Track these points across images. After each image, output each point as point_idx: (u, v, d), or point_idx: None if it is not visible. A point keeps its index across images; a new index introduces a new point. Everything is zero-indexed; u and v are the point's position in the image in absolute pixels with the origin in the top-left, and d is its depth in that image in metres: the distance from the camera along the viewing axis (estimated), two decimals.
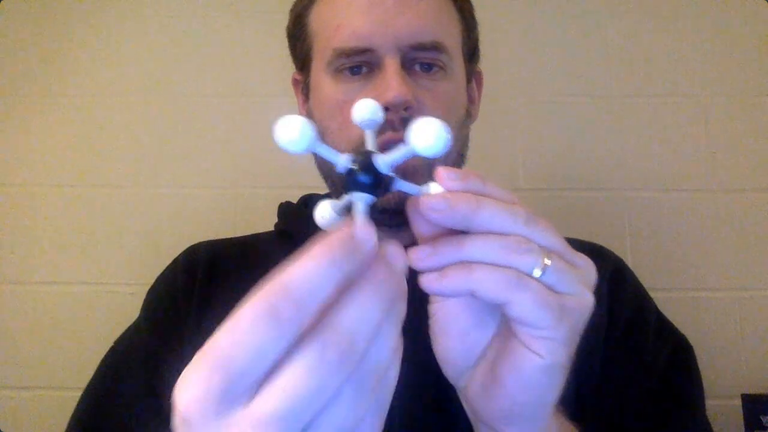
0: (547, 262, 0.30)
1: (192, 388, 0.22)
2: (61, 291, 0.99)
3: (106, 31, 1.08)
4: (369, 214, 0.28)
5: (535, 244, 0.30)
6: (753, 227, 1.00)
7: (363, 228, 0.25)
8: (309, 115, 0.59)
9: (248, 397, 0.22)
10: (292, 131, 0.27)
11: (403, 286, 0.26)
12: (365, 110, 0.31)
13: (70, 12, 1.08)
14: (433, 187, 0.31)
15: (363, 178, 0.28)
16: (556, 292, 0.30)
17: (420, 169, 0.49)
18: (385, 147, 0.32)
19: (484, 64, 0.66)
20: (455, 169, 0.31)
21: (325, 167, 0.58)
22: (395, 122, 0.50)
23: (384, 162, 0.29)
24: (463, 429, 0.48)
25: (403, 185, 0.31)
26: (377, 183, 0.29)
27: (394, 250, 0.26)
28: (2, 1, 1.05)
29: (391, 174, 0.29)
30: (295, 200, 0.67)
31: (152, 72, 1.07)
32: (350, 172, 0.29)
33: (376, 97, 0.49)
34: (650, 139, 1.04)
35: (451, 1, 0.57)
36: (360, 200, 0.29)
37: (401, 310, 0.26)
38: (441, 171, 0.31)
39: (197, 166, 1.04)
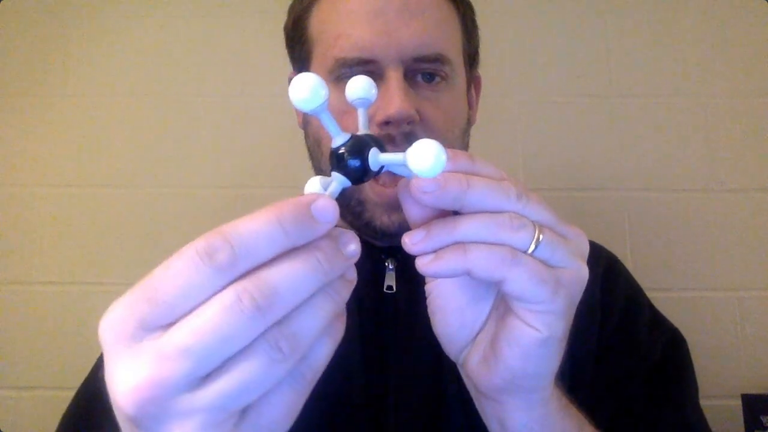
0: (540, 236, 0.30)
1: (114, 312, 0.23)
2: (61, 291, 0.99)
3: (106, 31, 1.08)
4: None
5: (528, 220, 0.30)
6: (753, 227, 1.00)
7: (324, 202, 0.25)
8: (306, 121, 0.59)
9: (164, 330, 0.23)
10: (304, 90, 0.27)
11: (347, 272, 0.26)
12: (359, 88, 0.31)
13: (70, 12, 1.08)
14: None
15: (351, 162, 0.28)
16: (551, 266, 0.30)
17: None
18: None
19: (485, 65, 0.66)
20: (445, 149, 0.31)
21: (314, 149, 0.58)
22: (396, 137, 0.50)
23: (375, 160, 0.29)
24: (456, 409, 0.48)
25: (392, 166, 0.31)
26: (361, 174, 0.29)
27: (348, 236, 0.27)
28: (2, 1, 1.05)
29: (377, 170, 0.29)
30: None
31: (152, 72, 1.07)
32: (340, 155, 0.29)
33: (377, 110, 0.49)
34: (650, 139, 1.04)
35: (454, 9, 0.57)
36: (337, 181, 0.29)
37: (341, 292, 0.26)
38: None
39: (197, 166, 1.04)
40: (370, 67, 0.52)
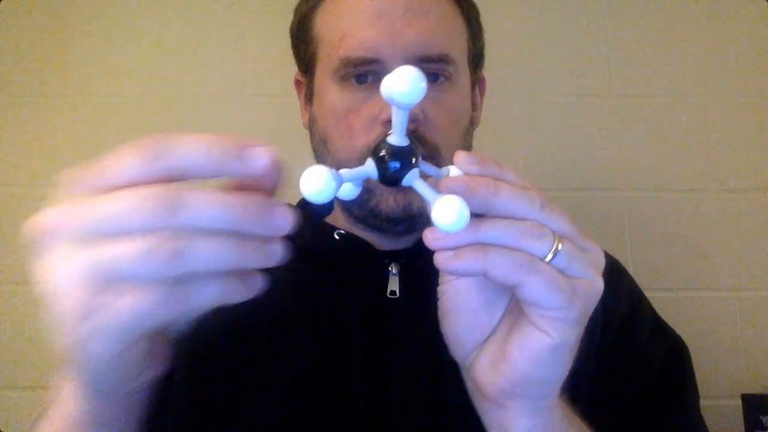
0: (559, 246, 0.31)
1: (76, 171, 0.28)
2: None
3: (105, 31, 1.08)
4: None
5: (548, 229, 0.31)
6: (753, 227, 1.00)
7: (265, 149, 0.28)
8: (312, 120, 0.59)
9: (92, 195, 0.27)
10: (316, 182, 0.29)
11: (272, 247, 0.27)
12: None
13: (69, 12, 1.08)
14: (453, 171, 0.32)
15: (392, 165, 0.30)
16: (567, 276, 0.31)
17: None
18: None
19: (485, 64, 0.65)
20: (474, 153, 0.32)
21: (319, 149, 0.58)
22: None
23: (410, 180, 0.30)
24: (457, 416, 0.48)
25: (423, 166, 0.31)
26: (393, 178, 0.30)
27: (288, 208, 0.27)
28: (1, 1, 1.05)
29: (406, 186, 0.31)
30: (294, 201, 0.67)
31: (152, 72, 1.07)
32: (381, 157, 0.30)
33: (381, 109, 0.50)
34: (650, 139, 1.04)
35: (458, 10, 0.57)
36: (369, 168, 0.31)
37: (252, 254, 0.26)
38: (461, 155, 0.32)
39: None
40: (374, 66, 0.52)
